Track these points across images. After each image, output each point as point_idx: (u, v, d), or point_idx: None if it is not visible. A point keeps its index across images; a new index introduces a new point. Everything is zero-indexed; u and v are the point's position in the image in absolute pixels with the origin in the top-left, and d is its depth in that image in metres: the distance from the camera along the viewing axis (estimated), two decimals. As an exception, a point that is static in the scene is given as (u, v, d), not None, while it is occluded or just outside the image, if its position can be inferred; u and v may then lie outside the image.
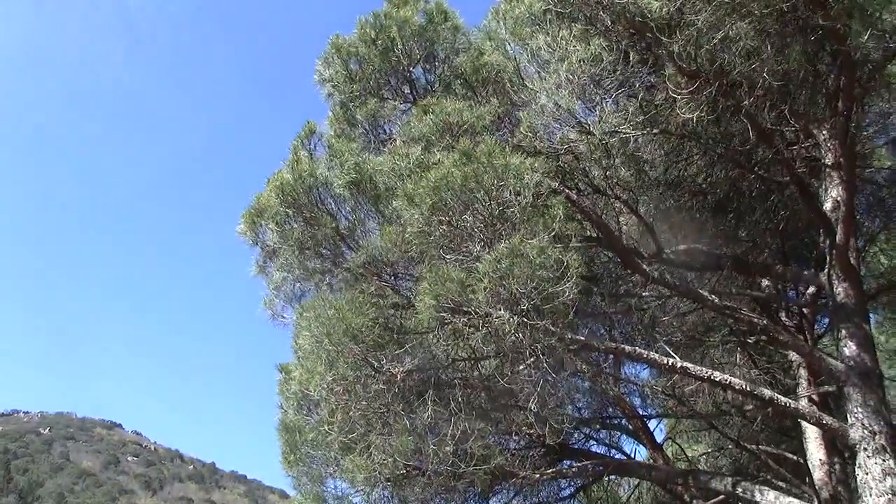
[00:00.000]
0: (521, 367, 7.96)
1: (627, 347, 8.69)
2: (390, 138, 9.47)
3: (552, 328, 7.09)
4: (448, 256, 7.21)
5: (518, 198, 7.03)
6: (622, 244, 9.19)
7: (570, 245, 6.99)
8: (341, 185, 8.10)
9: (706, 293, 9.25)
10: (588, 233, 9.43)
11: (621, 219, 9.66)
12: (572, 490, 12.22)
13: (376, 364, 7.65)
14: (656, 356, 8.58)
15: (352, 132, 9.63)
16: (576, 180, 9.32)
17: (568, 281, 6.77)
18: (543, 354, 7.27)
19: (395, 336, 7.83)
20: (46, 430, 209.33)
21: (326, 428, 8.99)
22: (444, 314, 6.99)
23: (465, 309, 6.94)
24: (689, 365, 8.35)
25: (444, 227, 7.18)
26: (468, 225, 7.16)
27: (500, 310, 6.86)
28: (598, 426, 13.93)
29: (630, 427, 14.11)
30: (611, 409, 14.34)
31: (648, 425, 14.17)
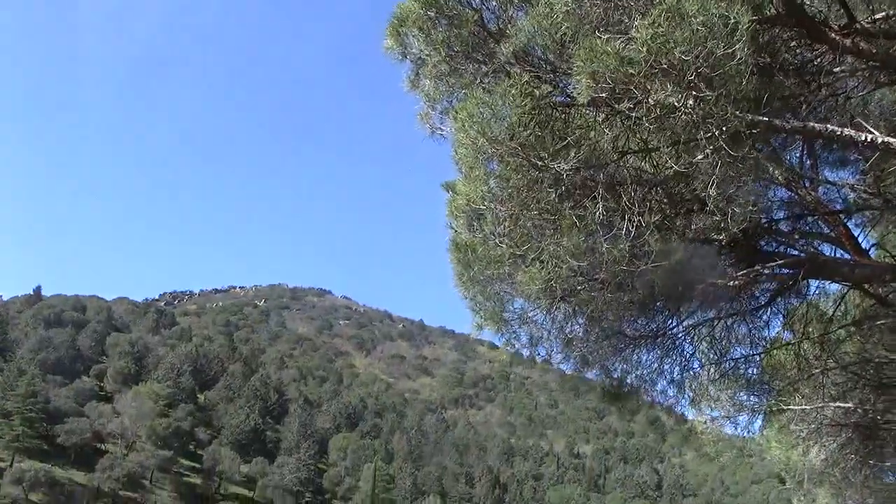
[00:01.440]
0: (699, 156, 7.28)
1: (818, 126, 7.79)
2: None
3: (725, 100, 6.34)
4: (601, 35, 6.52)
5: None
6: (805, 12, 8.17)
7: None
8: (481, -28, 7.51)
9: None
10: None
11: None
12: (767, 298, 11.51)
13: (539, 163, 7.14)
14: (852, 132, 7.68)
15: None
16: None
17: (738, 41, 5.98)
18: (722, 134, 6.56)
19: (555, 130, 7.28)
20: (262, 302, 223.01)
21: (496, 240, 8.68)
22: (604, 94, 6.36)
23: (625, 86, 6.30)
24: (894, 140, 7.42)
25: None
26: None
27: (664, 82, 6.17)
28: (794, 235, 12.99)
29: (832, 234, 13.07)
30: (808, 218, 13.33)
31: (852, 231, 13.09)
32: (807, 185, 12.22)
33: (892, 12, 9.02)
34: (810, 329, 13.20)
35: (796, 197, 12.41)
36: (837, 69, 8.90)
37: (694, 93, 6.23)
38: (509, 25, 7.66)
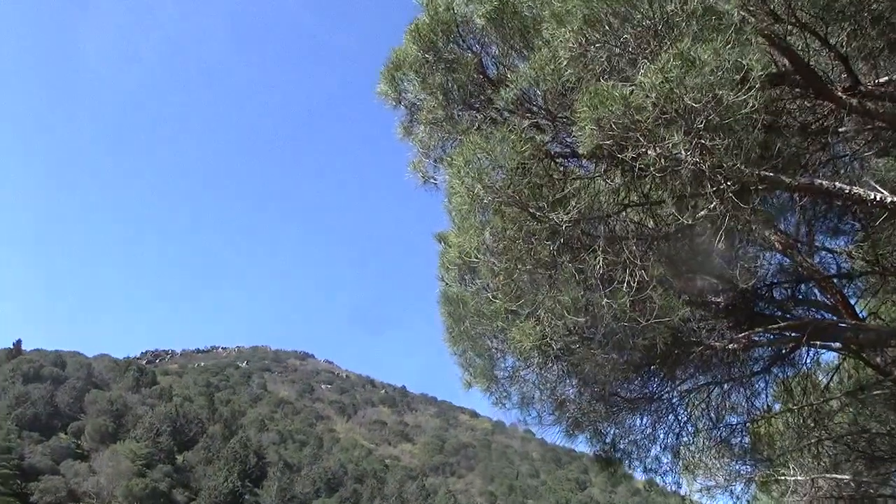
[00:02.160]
0: (702, 212, 7.04)
1: (825, 183, 7.56)
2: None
3: (734, 150, 6.10)
4: (606, 81, 6.30)
5: (683, 5, 6.04)
6: (812, 70, 8.00)
7: (749, 47, 5.91)
8: (482, 16, 7.28)
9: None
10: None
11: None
12: (765, 363, 11.23)
13: (537, 213, 6.87)
14: (861, 191, 7.46)
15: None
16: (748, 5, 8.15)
17: (751, 88, 5.76)
18: (730, 187, 6.32)
19: (555, 180, 7.04)
20: (244, 364, 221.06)
21: (490, 295, 8.37)
22: (609, 142, 6.11)
23: (631, 134, 6.05)
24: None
25: (598, 45, 6.28)
26: (627, 39, 6.23)
27: (671, 131, 5.93)
28: (790, 302, 12.76)
29: (828, 302, 12.85)
30: (804, 284, 13.11)
31: (848, 299, 12.86)
32: (802, 251, 12.03)
33: (896, 76, 8.89)
34: (804, 399, 12.95)
35: (792, 263, 12.22)
36: (842, 129, 8.73)
37: (702, 142, 5.98)
38: (509, 72, 7.44)
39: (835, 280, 12.65)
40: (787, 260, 12.17)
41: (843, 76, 8.63)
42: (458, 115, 7.82)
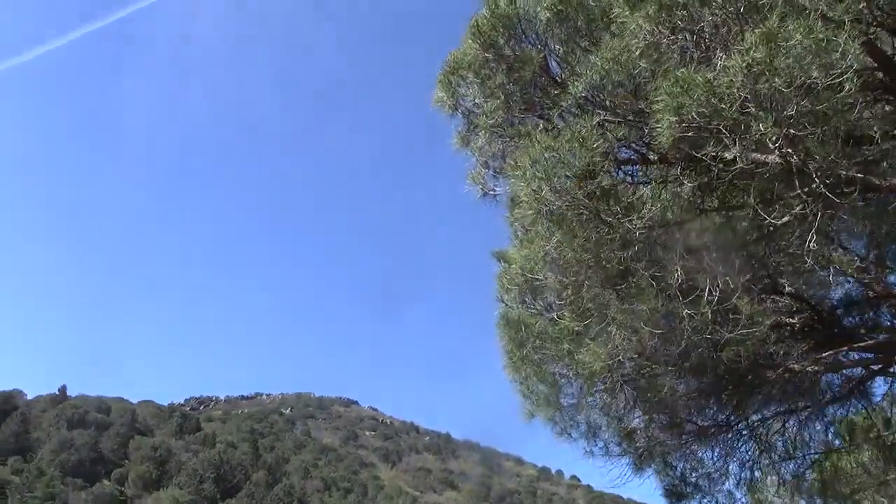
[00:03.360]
0: (786, 217, 6.48)
1: (918, 184, 6.98)
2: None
3: (828, 141, 5.58)
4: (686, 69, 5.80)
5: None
6: (896, 67, 7.46)
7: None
8: (546, 7, 6.83)
9: None
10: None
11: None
12: (844, 390, 10.54)
13: (609, 219, 6.35)
14: (956, 192, 6.89)
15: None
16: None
17: (846, 71, 5.23)
18: (820, 181, 5.77)
19: (626, 185, 6.53)
20: (288, 410, 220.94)
21: (555, 314, 7.86)
22: (689, 134, 5.60)
23: (713, 125, 5.54)
24: None
25: (677, 31, 5.80)
26: (706, 24, 5.75)
27: (758, 120, 5.41)
28: (863, 328, 12.08)
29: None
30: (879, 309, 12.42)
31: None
32: (873, 273, 11.37)
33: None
34: (878, 434, 12.22)
35: (862, 288, 11.57)
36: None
37: (792, 131, 5.45)
38: (575, 72, 6.95)
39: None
40: (858, 283, 11.54)
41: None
42: (521, 120, 7.33)
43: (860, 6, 7.14)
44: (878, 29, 7.67)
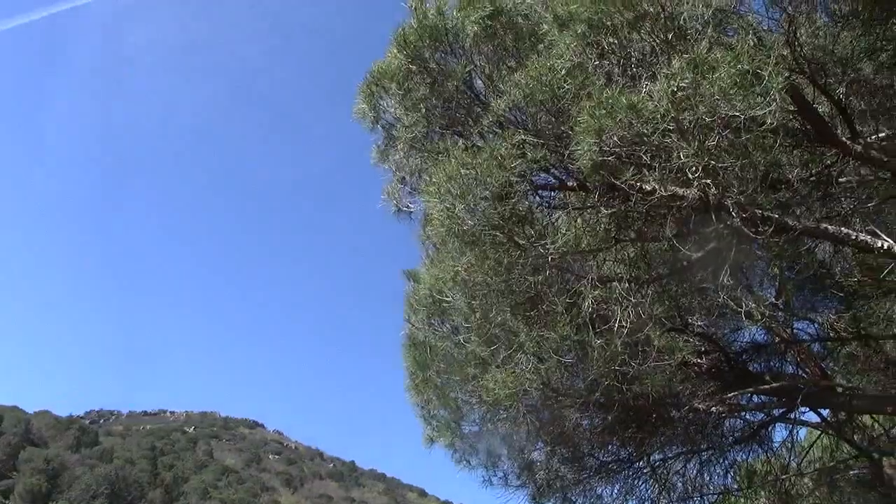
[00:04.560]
0: (700, 252, 6.41)
1: (831, 228, 7.00)
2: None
3: (747, 175, 5.50)
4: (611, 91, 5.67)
5: (700, 7, 5.48)
6: (816, 112, 7.49)
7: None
8: (474, 21, 6.65)
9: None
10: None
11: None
12: (746, 432, 10.57)
13: (522, 241, 6.17)
14: (868, 238, 6.91)
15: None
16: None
17: (770, 103, 5.16)
18: (735, 215, 5.69)
19: (542, 209, 6.37)
20: (192, 429, 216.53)
21: (461, 338, 7.64)
22: (610, 158, 5.46)
23: (635, 150, 5.41)
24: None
25: (604, 55, 5.68)
26: (636, 49, 5.64)
27: (681, 145, 5.30)
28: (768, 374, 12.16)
29: (805, 375, 12.28)
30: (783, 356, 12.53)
31: (826, 372, 12.32)
32: (780, 320, 11.46)
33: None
34: (776, 477, 12.29)
35: (770, 333, 11.66)
36: (843, 180, 8.21)
37: (713, 161, 5.35)
38: (499, 89, 6.78)
39: (813, 349, 12.12)
40: (766, 328, 11.62)
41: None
42: (441, 136, 7.12)
43: (784, 52, 7.19)
44: (800, 76, 7.73)
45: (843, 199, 8.50)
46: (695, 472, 10.85)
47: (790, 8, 7.12)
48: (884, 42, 8.40)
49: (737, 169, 5.46)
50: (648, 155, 5.46)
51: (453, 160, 6.07)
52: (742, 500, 12.17)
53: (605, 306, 6.39)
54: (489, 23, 6.67)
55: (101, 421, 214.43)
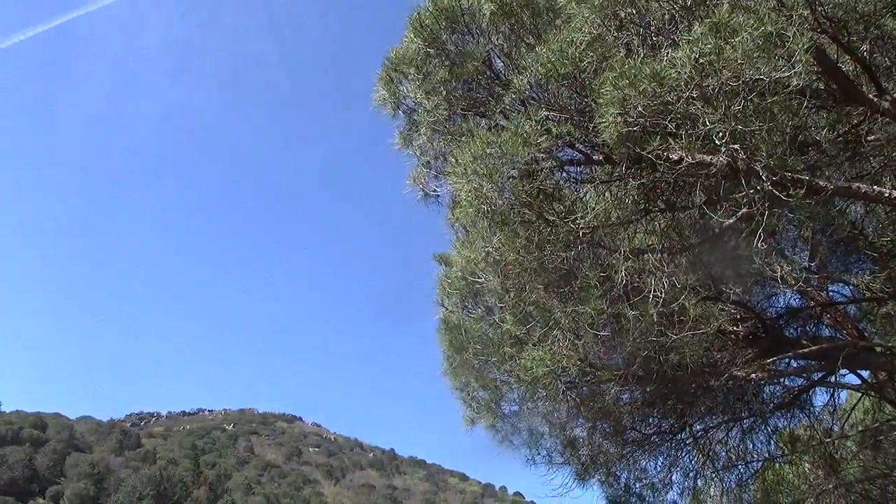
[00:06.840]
0: (731, 219, 6.36)
1: (864, 187, 6.93)
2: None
3: (774, 138, 5.45)
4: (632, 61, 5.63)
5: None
6: (841, 72, 7.39)
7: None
8: (490, 0, 6.63)
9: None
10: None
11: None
12: (787, 397, 10.51)
13: (551, 218, 6.16)
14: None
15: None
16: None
17: (796, 64, 5.11)
18: (766, 179, 5.64)
19: (572, 182, 6.35)
20: (231, 426, 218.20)
21: (496, 318, 7.65)
22: (635, 129, 5.43)
23: (660, 119, 5.38)
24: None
25: (624, 25, 5.64)
26: (655, 15, 5.60)
27: (707, 110, 5.26)
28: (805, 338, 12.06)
29: (844, 339, 12.16)
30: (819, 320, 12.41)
31: (864, 335, 12.19)
32: (815, 283, 11.36)
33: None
34: (818, 443, 12.21)
35: (803, 297, 11.56)
36: (872, 137, 8.11)
37: (739, 126, 5.31)
38: (519, 66, 6.75)
39: (848, 311, 12.00)
40: (800, 293, 11.52)
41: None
42: (463, 118, 7.11)
43: (804, 12, 7.11)
44: (822, 36, 7.64)
45: (872, 157, 8.42)
46: (737, 440, 10.82)
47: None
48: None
49: (764, 133, 5.40)
50: (674, 123, 5.43)
51: (478, 140, 6.06)
52: (787, 466, 12.12)
53: (638, 278, 6.36)
54: (505, 0, 6.65)
55: (142, 423, 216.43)
